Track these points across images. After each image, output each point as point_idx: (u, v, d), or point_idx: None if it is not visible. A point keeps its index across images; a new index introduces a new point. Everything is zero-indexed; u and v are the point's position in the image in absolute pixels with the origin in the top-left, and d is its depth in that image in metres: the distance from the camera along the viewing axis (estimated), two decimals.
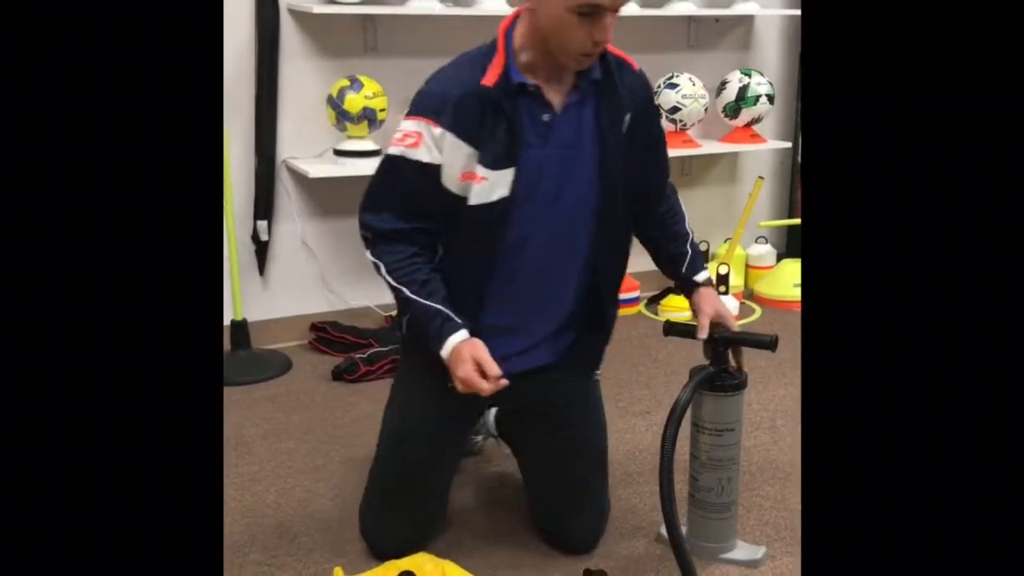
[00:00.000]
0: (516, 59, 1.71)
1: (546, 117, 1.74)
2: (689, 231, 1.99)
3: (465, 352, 1.72)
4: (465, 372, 1.70)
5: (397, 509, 1.95)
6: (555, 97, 1.75)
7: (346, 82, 2.99)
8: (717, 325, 1.90)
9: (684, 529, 1.88)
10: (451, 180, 1.73)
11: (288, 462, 2.43)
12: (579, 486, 1.99)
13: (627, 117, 1.80)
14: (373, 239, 1.80)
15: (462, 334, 1.74)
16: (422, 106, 1.73)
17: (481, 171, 1.71)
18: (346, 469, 2.38)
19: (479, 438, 2.38)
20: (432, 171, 1.72)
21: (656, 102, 3.44)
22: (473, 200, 1.73)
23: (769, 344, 1.88)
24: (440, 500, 2.00)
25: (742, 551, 1.99)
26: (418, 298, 1.76)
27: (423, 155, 1.72)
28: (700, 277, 1.96)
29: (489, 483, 2.29)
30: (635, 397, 2.85)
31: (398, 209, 1.77)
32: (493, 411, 2.29)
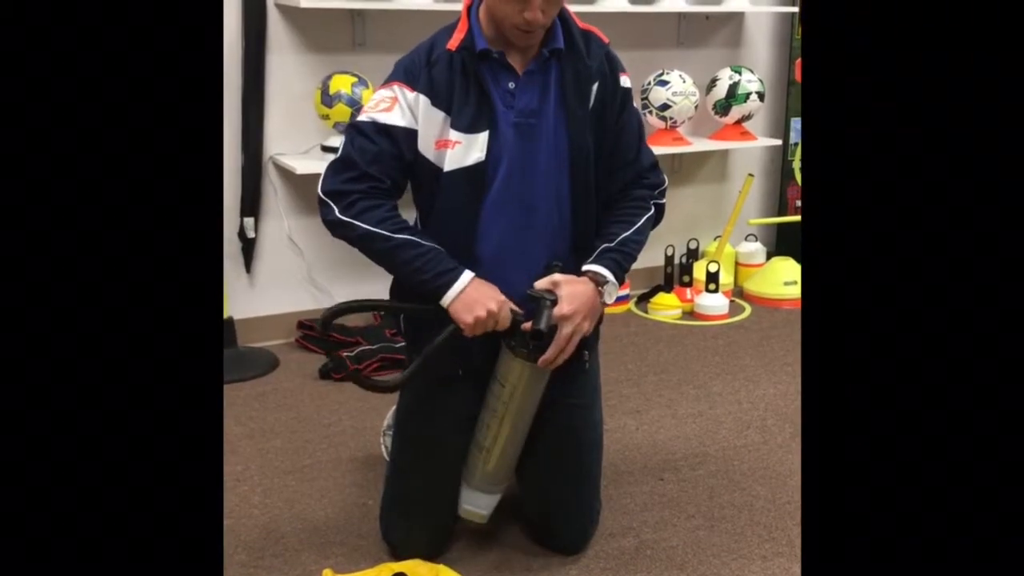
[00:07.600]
0: (480, 31, 1.75)
1: (511, 85, 1.76)
2: (628, 238, 1.82)
3: (481, 290, 1.70)
4: (483, 311, 1.67)
5: (420, 516, 1.94)
6: (518, 65, 1.77)
7: (352, 78, 2.96)
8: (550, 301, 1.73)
9: None
10: (427, 147, 1.74)
11: (274, 462, 2.40)
12: (572, 485, 1.96)
13: (594, 88, 1.78)
14: (345, 199, 1.73)
15: (469, 275, 1.71)
16: (397, 73, 1.76)
17: (454, 135, 1.72)
18: (333, 469, 2.36)
19: None
20: (402, 134, 1.72)
21: (646, 97, 3.48)
22: (448, 166, 1.73)
23: (538, 333, 1.70)
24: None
25: (475, 497, 1.93)
26: (414, 237, 1.71)
27: (396, 118, 1.72)
28: (586, 266, 1.80)
29: None
30: (624, 395, 2.83)
31: (370, 170, 1.73)
32: None
